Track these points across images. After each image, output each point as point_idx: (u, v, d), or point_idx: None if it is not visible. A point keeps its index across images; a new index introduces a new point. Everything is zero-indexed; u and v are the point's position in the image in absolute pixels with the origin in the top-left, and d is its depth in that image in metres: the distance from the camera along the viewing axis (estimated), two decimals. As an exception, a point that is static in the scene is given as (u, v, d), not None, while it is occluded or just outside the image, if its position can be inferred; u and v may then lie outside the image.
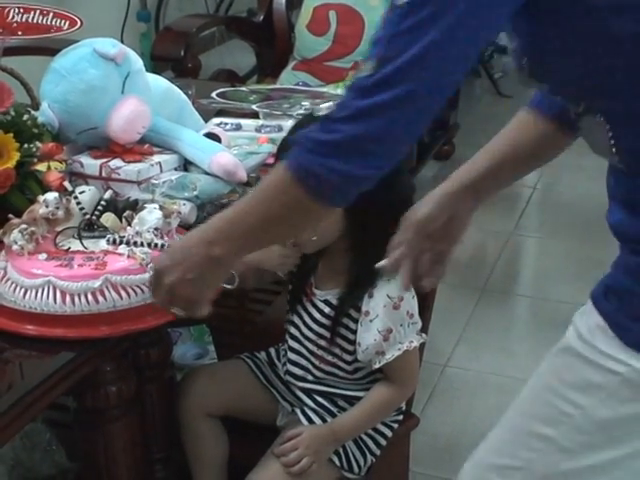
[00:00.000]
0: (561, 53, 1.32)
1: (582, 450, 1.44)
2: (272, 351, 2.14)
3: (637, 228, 1.35)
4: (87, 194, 1.90)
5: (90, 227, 1.83)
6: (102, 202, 1.88)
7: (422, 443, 2.54)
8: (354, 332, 1.91)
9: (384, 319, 1.86)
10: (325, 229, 1.85)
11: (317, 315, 1.96)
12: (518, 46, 1.39)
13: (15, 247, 1.74)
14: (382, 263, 1.62)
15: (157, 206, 1.84)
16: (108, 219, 1.86)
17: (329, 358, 1.97)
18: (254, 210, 1.40)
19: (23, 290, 1.70)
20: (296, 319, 2.02)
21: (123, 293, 1.70)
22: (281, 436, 1.96)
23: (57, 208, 1.80)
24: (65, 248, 1.78)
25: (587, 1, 1.25)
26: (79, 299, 1.67)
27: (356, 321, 1.91)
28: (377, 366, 1.90)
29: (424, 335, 1.95)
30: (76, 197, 1.85)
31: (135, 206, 1.91)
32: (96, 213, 1.85)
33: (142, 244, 1.74)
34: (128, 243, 1.75)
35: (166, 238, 1.78)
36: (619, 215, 1.38)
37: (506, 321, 3.66)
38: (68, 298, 1.67)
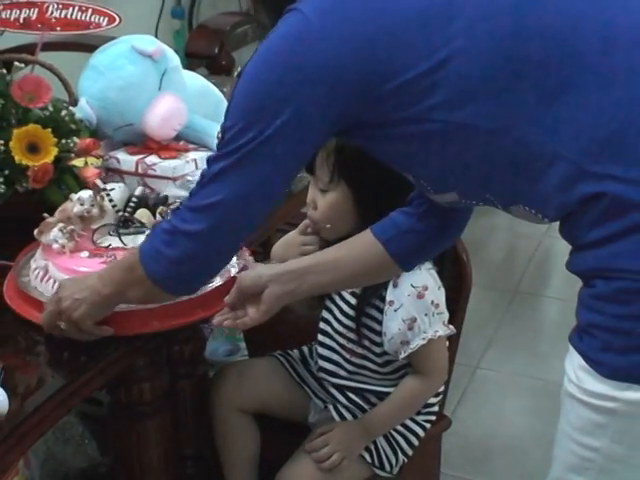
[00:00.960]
0: (418, 160, 1.46)
1: None
2: (305, 349, 2.14)
3: (577, 264, 1.39)
4: (117, 191, 1.90)
5: (125, 223, 1.84)
6: (133, 199, 1.88)
7: (453, 445, 2.54)
8: (380, 323, 1.92)
9: (408, 308, 1.87)
10: (338, 217, 1.89)
11: (345, 308, 1.97)
12: (397, 167, 1.52)
13: (55, 246, 1.73)
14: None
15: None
16: (143, 215, 1.87)
17: (359, 351, 1.98)
18: (115, 271, 1.62)
19: None
20: (326, 314, 2.03)
21: None
22: (313, 433, 1.97)
23: (92, 206, 1.80)
24: (105, 245, 1.79)
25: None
26: None
27: (381, 311, 1.91)
28: (403, 356, 1.90)
29: (451, 327, 1.94)
30: (108, 194, 1.86)
31: (165, 202, 1.93)
32: (128, 210, 1.86)
33: None
34: None
35: None
36: (569, 257, 1.42)
37: (537, 323, 3.65)
38: None
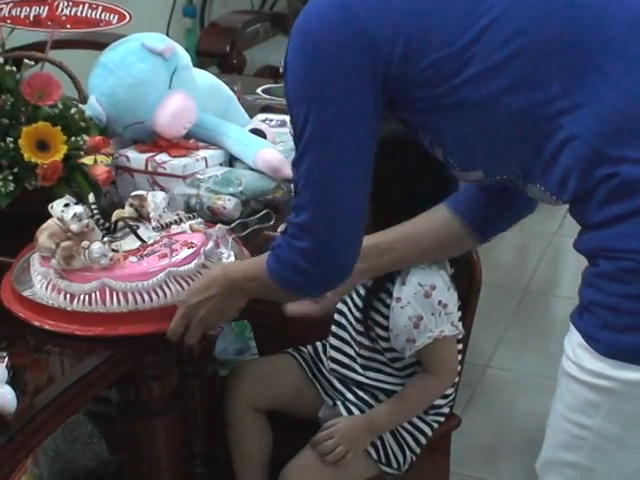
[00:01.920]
0: (458, 135, 1.46)
1: (608, 467, 1.46)
2: (319, 345, 2.15)
3: (584, 243, 1.41)
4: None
5: (115, 228, 1.83)
6: (93, 206, 1.84)
7: (462, 444, 2.53)
8: (386, 317, 1.92)
9: (414, 306, 1.87)
10: None
11: (357, 300, 1.98)
12: (429, 141, 1.52)
13: (104, 261, 1.68)
14: None
15: (143, 192, 1.90)
16: (121, 214, 1.86)
17: (367, 343, 1.99)
18: (256, 282, 1.63)
19: (145, 293, 1.68)
20: (341, 305, 2.05)
21: None
22: (322, 427, 1.97)
23: (88, 219, 1.75)
24: (134, 247, 1.77)
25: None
26: (200, 277, 1.72)
27: (388, 306, 1.92)
28: (409, 354, 1.91)
29: (460, 327, 1.94)
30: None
31: (116, 202, 1.98)
32: (97, 217, 1.82)
33: (182, 220, 1.82)
34: (172, 224, 1.81)
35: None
36: (577, 237, 1.44)
37: (548, 322, 3.64)
38: (190, 281, 1.72)
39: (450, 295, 1.90)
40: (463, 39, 1.36)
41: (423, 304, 1.87)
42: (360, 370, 2.01)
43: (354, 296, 1.99)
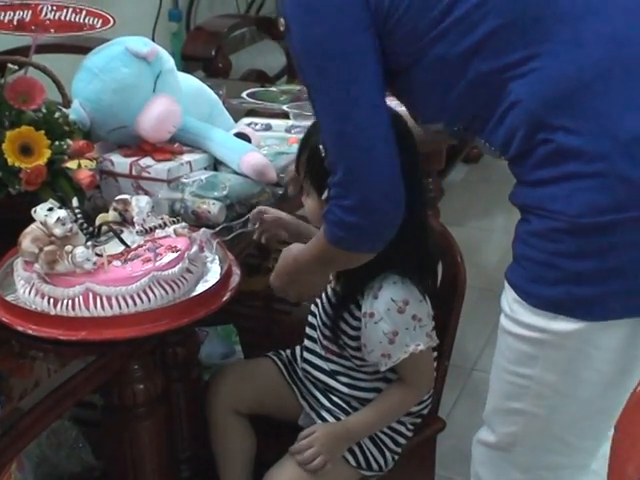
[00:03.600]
0: (423, 92, 1.57)
1: (549, 413, 1.59)
2: (297, 349, 2.14)
3: (518, 197, 1.52)
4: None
5: (99, 232, 1.81)
6: (76, 210, 1.83)
7: (448, 447, 2.53)
8: (354, 328, 1.92)
9: (388, 322, 1.85)
10: (318, 221, 1.88)
11: (326, 305, 1.99)
12: (399, 90, 1.63)
13: (87, 265, 1.67)
14: None
15: (127, 196, 1.89)
16: (107, 217, 1.86)
17: (335, 349, 1.99)
18: (323, 257, 1.71)
19: (129, 297, 1.67)
20: (314, 308, 2.06)
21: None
22: (299, 435, 1.97)
23: (72, 223, 1.73)
24: (118, 251, 1.76)
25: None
26: (184, 281, 1.74)
27: (355, 317, 1.91)
28: (384, 369, 1.90)
29: (434, 336, 1.93)
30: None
31: (100, 206, 1.99)
32: (80, 221, 1.81)
33: (166, 224, 1.82)
34: (156, 228, 1.81)
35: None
36: (512, 189, 1.55)
37: (533, 325, 3.64)
38: (174, 285, 1.71)
39: (422, 306, 1.89)
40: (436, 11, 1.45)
41: (397, 320, 1.85)
42: (331, 373, 2.01)
43: (324, 300, 1.99)
